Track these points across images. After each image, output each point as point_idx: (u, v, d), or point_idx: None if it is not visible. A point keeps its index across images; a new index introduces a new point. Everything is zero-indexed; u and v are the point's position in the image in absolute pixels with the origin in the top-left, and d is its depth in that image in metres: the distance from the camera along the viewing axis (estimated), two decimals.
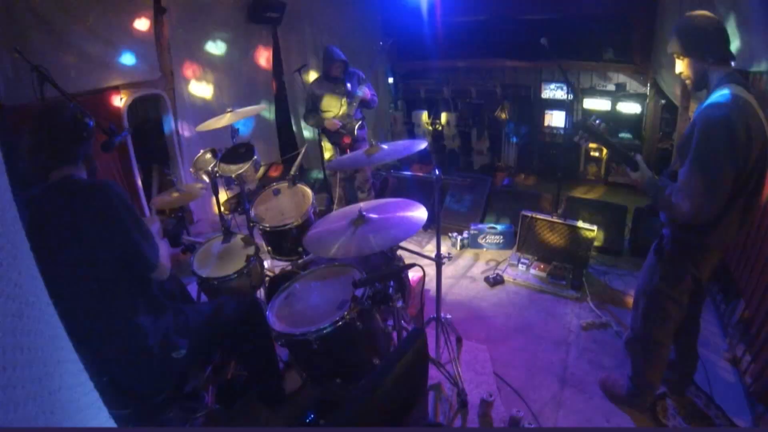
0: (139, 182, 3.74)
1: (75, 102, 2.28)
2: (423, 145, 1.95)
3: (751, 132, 1.43)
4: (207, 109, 3.93)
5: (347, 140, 3.57)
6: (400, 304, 1.75)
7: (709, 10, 2.74)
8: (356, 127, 3.61)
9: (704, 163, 1.45)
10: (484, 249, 3.69)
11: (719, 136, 1.43)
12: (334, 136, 3.64)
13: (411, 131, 5.85)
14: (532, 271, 3.28)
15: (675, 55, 1.64)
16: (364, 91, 3.50)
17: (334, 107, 3.57)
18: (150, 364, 1.50)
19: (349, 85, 3.52)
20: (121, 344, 1.45)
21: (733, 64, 1.58)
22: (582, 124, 1.76)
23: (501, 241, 3.65)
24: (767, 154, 1.50)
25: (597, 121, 1.75)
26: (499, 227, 3.66)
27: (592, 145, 4.86)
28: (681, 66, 1.63)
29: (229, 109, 2.66)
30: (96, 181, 1.49)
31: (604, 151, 4.78)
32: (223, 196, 3.89)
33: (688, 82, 1.64)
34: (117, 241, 1.40)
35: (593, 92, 4.78)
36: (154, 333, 1.51)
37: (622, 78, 4.70)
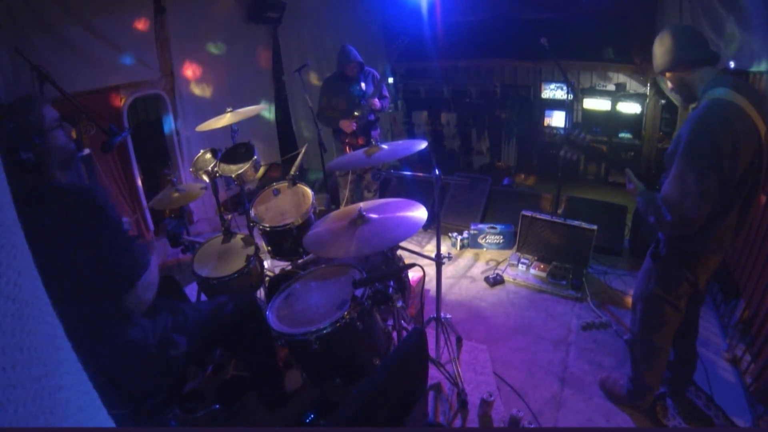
0: (139, 182, 3.75)
1: (69, 98, 2.26)
2: (423, 145, 1.95)
3: (738, 139, 1.39)
4: (207, 109, 3.93)
5: (361, 141, 3.52)
6: (400, 304, 1.75)
7: (708, 10, 2.77)
8: (370, 127, 3.56)
9: (686, 177, 1.44)
10: (484, 249, 3.69)
11: (703, 150, 1.41)
12: (348, 137, 3.56)
13: (411, 131, 5.86)
14: (532, 271, 3.28)
15: (662, 77, 1.66)
16: (373, 103, 3.39)
17: (347, 107, 3.50)
18: (149, 363, 1.50)
19: (363, 84, 3.44)
20: (117, 346, 1.44)
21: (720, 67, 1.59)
22: (565, 139, 1.75)
23: (501, 241, 3.65)
24: (762, 157, 1.48)
25: (581, 135, 1.73)
26: (499, 227, 3.66)
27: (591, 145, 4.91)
28: (666, 84, 1.66)
29: (229, 109, 2.66)
30: (78, 186, 1.41)
31: (604, 149, 4.79)
32: (223, 196, 3.90)
33: (678, 98, 1.64)
34: (97, 248, 1.36)
35: (593, 92, 4.78)
36: (152, 333, 1.50)
37: (622, 78, 4.71)
